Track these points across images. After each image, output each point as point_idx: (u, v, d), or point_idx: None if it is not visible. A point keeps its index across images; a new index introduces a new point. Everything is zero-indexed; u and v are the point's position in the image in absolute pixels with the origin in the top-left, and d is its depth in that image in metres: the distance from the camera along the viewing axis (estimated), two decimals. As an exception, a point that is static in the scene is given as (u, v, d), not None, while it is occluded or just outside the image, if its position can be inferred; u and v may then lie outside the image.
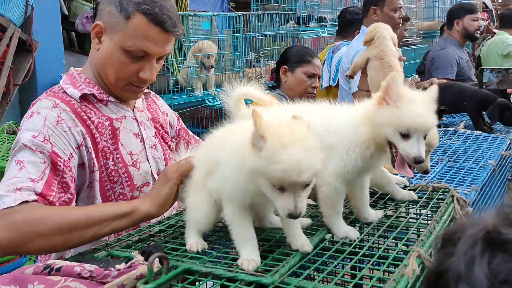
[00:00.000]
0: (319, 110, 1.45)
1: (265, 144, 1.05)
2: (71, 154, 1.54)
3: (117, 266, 1.14)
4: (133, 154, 1.69)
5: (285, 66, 3.26)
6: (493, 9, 9.00)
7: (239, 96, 1.50)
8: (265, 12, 4.68)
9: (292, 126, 1.10)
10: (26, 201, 1.38)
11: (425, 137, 1.29)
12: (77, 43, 6.82)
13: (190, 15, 3.98)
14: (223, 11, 4.76)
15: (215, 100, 3.93)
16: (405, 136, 1.25)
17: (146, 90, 1.90)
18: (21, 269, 1.14)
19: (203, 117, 4.28)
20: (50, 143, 1.50)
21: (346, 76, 2.72)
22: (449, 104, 3.27)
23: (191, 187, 1.41)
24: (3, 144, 3.33)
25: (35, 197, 1.40)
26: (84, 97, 1.66)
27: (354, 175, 1.37)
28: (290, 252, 1.26)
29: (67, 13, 6.46)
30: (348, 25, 4.18)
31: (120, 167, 1.66)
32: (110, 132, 1.65)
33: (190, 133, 2.07)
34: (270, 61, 4.64)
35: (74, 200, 1.53)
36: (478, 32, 4.59)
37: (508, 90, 2.99)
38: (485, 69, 3.13)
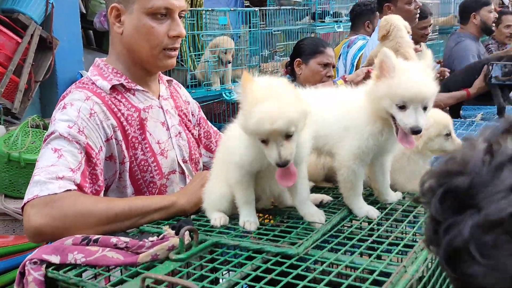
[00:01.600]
0: (340, 94, 1.51)
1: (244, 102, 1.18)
2: (101, 147, 1.57)
3: (150, 238, 1.20)
4: (161, 143, 1.72)
5: (299, 59, 3.29)
6: (510, 5, 8.89)
7: None
8: (282, 7, 4.73)
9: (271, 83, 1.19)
10: (69, 190, 1.41)
11: (425, 108, 1.29)
12: (95, 41, 6.94)
13: (207, 10, 4.05)
14: (237, 9, 4.78)
15: (232, 94, 3.98)
16: (402, 107, 1.27)
17: (169, 78, 1.94)
18: (60, 241, 1.21)
19: (220, 112, 4.34)
20: (85, 135, 1.52)
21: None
22: (464, 84, 3.37)
23: (214, 180, 1.49)
24: (27, 137, 3.40)
25: (75, 187, 1.44)
26: (113, 88, 1.67)
27: (369, 156, 1.41)
28: (313, 228, 1.32)
29: (85, 11, 6.55)
30: (357, 18, 4.20)
31: (149, 156, 1.67)
32: (138, 123, 1.67)
33: (209, 123, 2.11)
34: (284, 57, 4.69)
35: (102, 192, 1.56)
36: (494, 24, 4.56)
37: None
38: (494, 63, 3.14)
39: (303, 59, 3.25)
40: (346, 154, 1.40)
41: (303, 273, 1.09)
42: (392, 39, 2.44)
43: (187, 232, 1.19)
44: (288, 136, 1.17)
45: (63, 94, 1.66)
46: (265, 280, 1.03)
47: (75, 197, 1.41)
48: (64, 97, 1.64)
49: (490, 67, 3.09)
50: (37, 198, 1.38)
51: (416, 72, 1.30)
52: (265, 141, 1.18)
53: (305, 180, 1.39)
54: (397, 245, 1.21)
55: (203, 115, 2.09)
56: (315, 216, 1.37)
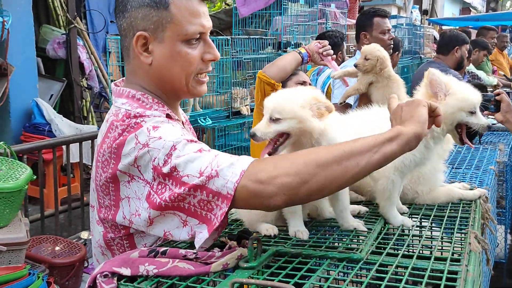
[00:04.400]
0: (374, 114, 1.61)
1: None
2: None
3: (216, 249, 1.21)
4: None
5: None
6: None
7: None
8: (250, 37, 4.86)
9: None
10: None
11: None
12: (46, 68, 6.76)
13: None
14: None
15: (207, 120, 4.01)
16: (473, 113, 1.50)
17: None
18: (126, 254, 1.19)
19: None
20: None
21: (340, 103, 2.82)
22: None
23: None
24: (-6, 164, 3.24)
25: None
26: None
27: (411, 168, 1.51)
28: (360, 234, 1.38)
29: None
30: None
31: None
32: None
33: None
34: (254, 84, 4.79)
35: None
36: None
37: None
38: None
39: (282, 84, 3.36)
40: (388, 167, 1.47)
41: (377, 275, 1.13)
42: (385, 68, 2.57)
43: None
44: (271, 119, 1.37)
45: (128, 132, 1.35)
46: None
47: (275, 156, 1.37)
48: (131, 130, 1.35)
49: None
50: (245, 171, 1.22)
51: (466, 84, 1.54)
52: None
53: (346, 190, 1.45)
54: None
55: None
56: (354, 223, 1.43)
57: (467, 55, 4.75)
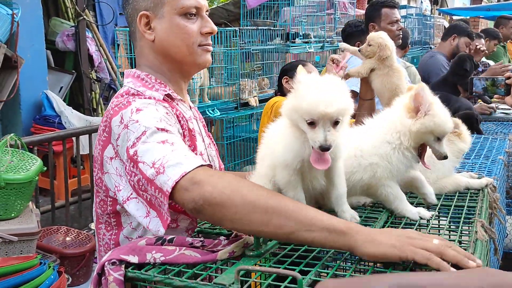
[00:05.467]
0: (355, 135, 1.56)
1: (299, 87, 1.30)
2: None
3: (222, 237, 1.22)
4: (202, 155, 1.63)
5: (286, 77, 3.43)
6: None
7: None
8: (258, 28, 4.86)
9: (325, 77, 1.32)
10: (210, 165, 1.29)
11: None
12: (56, 61, 6.79)
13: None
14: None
15: (215, 112, 4.02)
16: (439, 139, 1.45)
17: None
18: (134, 242, 1.20)
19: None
20: (173, 126, 1.43)
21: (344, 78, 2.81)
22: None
23: (254, 177, 1.52)
24: (6, 156, 3.27)
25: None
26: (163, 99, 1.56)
27: (399, 175, 1.49)
28: (369, 224, 1.38)
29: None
30: (349, 38, 4.31)
31: None
32: (188, 133, 1.57)
33: None
34: (262, 75, 4.81)
35: None
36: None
37: (496, 96, 3.17)
38: (474, 78, 3.36)
39: (289, 75, 3.39)
40: (378, 178, 1.47)
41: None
42: (388, 56, 2.57)
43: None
44: (335, 123, 1.24)
45: (117, 110, 1.45)
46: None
47: (232, 175, 1.26)
48: (117, 110, 1.44)
49: (471, 82, 3.30)
50: (187, 174, 1.20)
51: (445, 110, 1.46)
52: (312, 124, 1.23)
53: (342, 176, 1.40)
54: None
55: None
56: (347, 213, 1.38)
57: (465, 49, 4.69)
